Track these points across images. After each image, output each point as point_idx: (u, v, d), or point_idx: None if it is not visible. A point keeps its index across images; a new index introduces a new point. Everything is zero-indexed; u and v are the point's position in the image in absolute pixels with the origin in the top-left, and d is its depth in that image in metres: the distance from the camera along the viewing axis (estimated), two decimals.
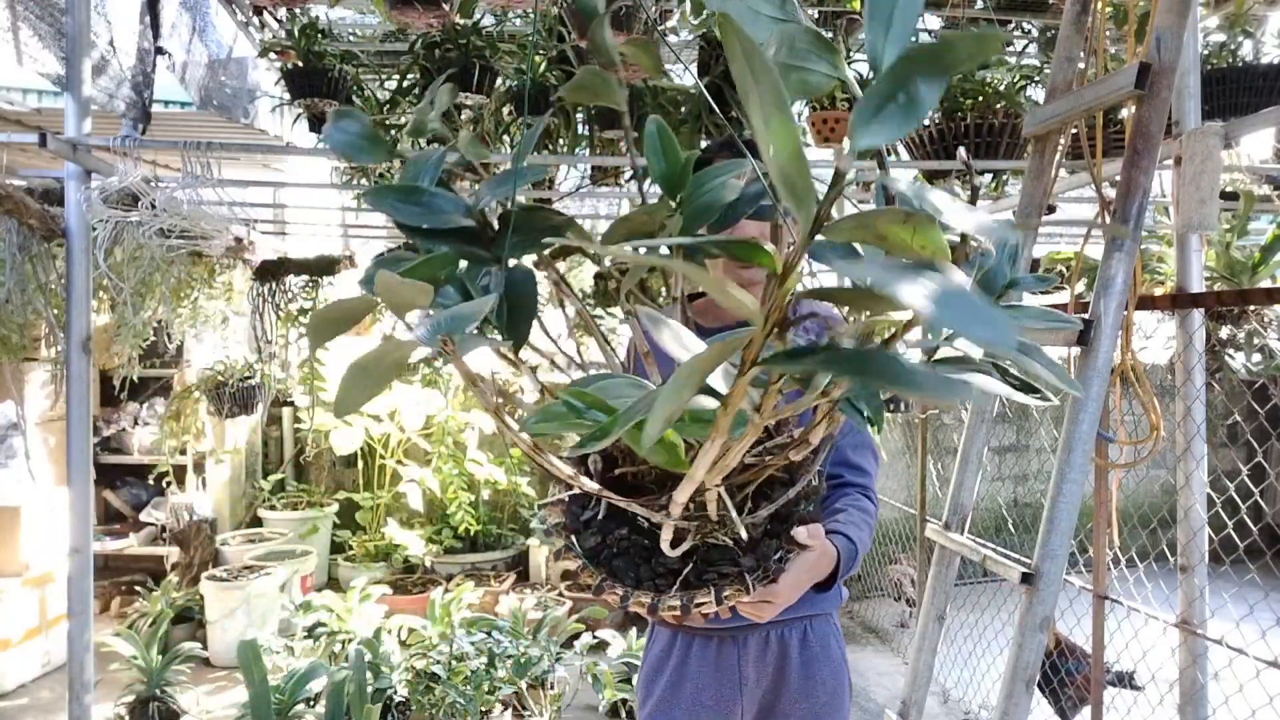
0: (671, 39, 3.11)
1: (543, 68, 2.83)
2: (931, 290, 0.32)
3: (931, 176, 2.95)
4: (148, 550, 4.44)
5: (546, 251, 0.66)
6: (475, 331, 0.58)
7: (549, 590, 4.36)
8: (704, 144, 2.64)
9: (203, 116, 3.34)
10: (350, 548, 4.69)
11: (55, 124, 2.43)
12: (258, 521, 4.88)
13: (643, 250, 0.58)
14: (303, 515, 4.75)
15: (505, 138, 3.08)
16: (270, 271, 3.44)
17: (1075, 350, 1.39)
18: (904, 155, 2.80)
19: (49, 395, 3.58)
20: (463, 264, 0.61)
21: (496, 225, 0.61)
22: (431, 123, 0.67)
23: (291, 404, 4.99)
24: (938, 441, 4.75)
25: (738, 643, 1.36)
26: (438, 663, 2.99)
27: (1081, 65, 1.61)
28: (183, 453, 4.28)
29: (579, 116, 2.99)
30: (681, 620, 1.35)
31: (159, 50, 2.67)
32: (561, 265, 3.47)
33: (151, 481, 4.31)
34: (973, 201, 0.60)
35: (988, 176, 3.08)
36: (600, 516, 0.74)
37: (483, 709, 2.92)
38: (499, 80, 2.77)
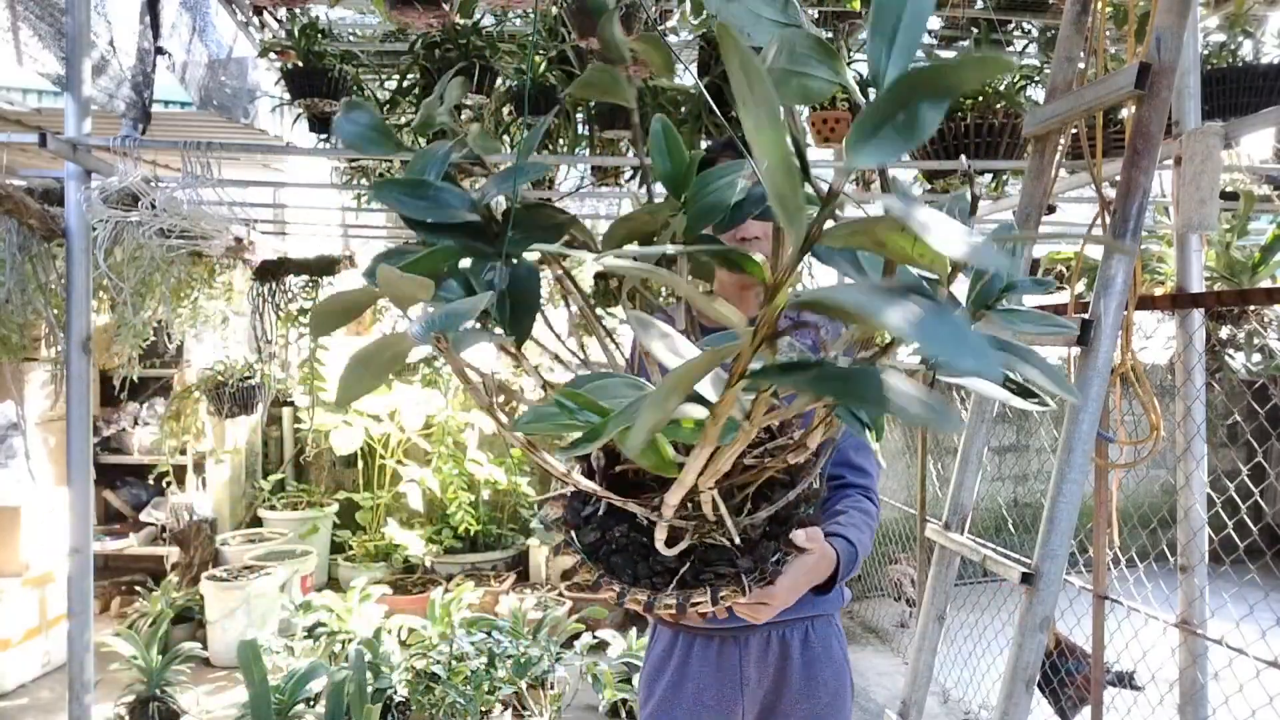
0: (671, 39, 3.11)
1: (543, 68, 2.83)
2: (916, 315, 0.31)
3: (932, 176, 2.95)
4: (148, 550, 4.44)
5: (553, 247, 0.66)
6: (476, 327, 0.58)
7: (549, 590, 4.36)
8: (704, 144, 2.64)
9: (203, 116, 3.34)
10: (350, 548, 4.69)
11: (55, 124, 2.43)
12: (258, 521, 4.88)
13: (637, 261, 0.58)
14: (303, 515, 4.74)
15: (505, 138, 3.08)
16: (270, 271, 3.44)
17: (1075, 350, 1.39)
18: (904, 155, 2.80)
19: (49, 395, 3.58)
20: (466, 260, 0.61)
21: (501, 221, 0.61)
22: (440, 116, 0.67)
23: (291, 404, 4.99)
24: (938, 441, 4.74)
25: (739, 643, 1.36)
26: (438, 663, 2.99)
27: (1081, 65, 1.61)
28: (183, 453, 4.28)
29: (579, 116, 3.00)
30: (678, 619, 1.35)
31: (159, 50, 2.67)
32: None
33: (151, 481, 4.30)
34: (972, 212, 0.59)
35: (988, 176, 3.08)
36: (600, 513, 0.74)
37: (483, 709, 2.92)
38: (499, 80, 2.77)
